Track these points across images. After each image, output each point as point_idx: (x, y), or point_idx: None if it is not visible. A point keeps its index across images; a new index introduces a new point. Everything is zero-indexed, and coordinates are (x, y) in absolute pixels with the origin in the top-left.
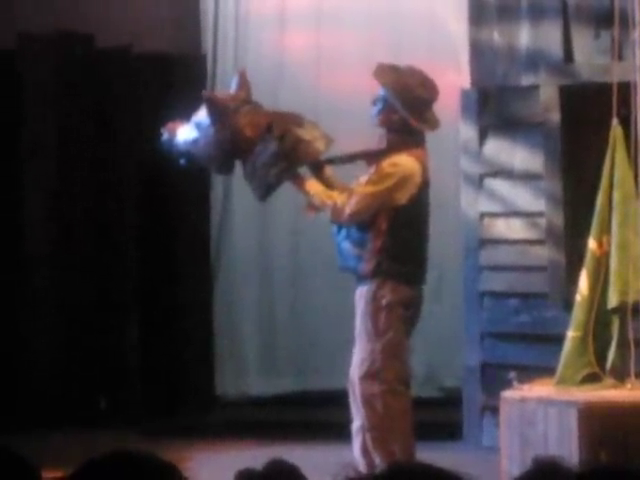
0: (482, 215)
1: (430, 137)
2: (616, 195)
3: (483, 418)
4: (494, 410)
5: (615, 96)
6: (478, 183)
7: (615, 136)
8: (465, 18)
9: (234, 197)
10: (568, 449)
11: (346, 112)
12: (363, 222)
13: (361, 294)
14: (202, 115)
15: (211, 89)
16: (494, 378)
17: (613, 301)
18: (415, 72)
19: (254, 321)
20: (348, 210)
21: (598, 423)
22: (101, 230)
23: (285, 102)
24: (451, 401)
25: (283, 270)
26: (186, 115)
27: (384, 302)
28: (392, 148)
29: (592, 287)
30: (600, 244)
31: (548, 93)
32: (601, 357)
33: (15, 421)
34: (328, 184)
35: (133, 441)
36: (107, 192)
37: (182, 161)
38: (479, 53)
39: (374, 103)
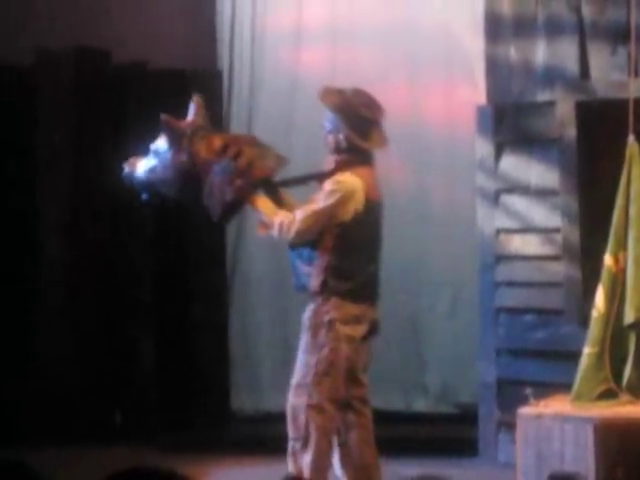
0: (498, 231)
1: (445, 153)
2: (632, 211)
3: (499, 434)
4: (510, 426)
5: (631, 112)
6: (494, 199)
7: (631, 152)
8: (481, 34)
9: (249, 216)
10: (584, 465)
11: None
12: (309, 240)
13: (308, 310)
14: (160, 142)
15: (227, 105)
16: (510, 394)
17: (629, 317)
18: (360, 93)
19: (269, 337)
20: (293, 229)
21: (615, 439)
22: (117, 245)
23: (301, 118)
24: (467, 417)
25: None
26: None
27: (326, 318)
28: (339, 168)
29: (608, 303)
30: (616, 260)
31: (564, 109)
32: (618, 373)
33: (31, 437)
34: (284, 205)
35: (149, 456)
36: (123, 207)
37: (144, 195)
38: (495, 69)
39: (324, 126)
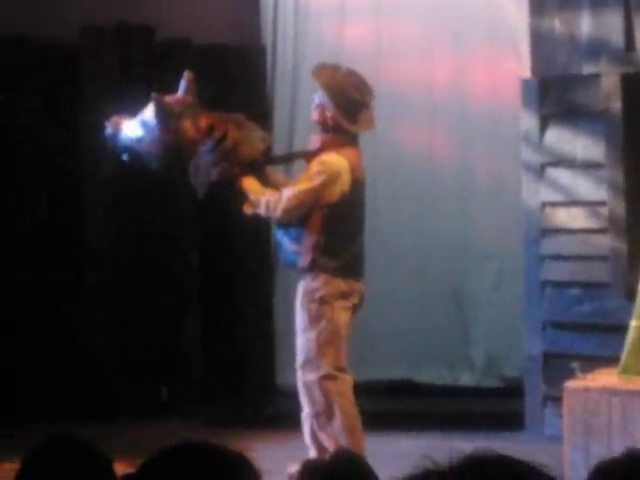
0: (543, 204)
1: (490, 127)
2: None
3: (545, 408)
4: (556, 400)
5: None
6: (539, 172)
7: None
8: (526, 7)
9: None
10: (632, 438)
11: (406, 101)
12: (296, 219)
13: (300, 288)
14: (148, 115)
15: (271, 81)
16: (556, 368)
17: None
18: (352, 74)
19: None
20: (280, 207)
21: None
22: (161, 221)
23: None
24: (513, 391)
25: None
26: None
27: (318, 295)
28: (325, 147)
29: None
30: None
31: (609, 82)
32: None
33: (77, 412)
34: (270, 183)
35: (194, 431)
36: (167, 186)
37: (124, 156)
38: (540, 42)
39: (314, 100)
